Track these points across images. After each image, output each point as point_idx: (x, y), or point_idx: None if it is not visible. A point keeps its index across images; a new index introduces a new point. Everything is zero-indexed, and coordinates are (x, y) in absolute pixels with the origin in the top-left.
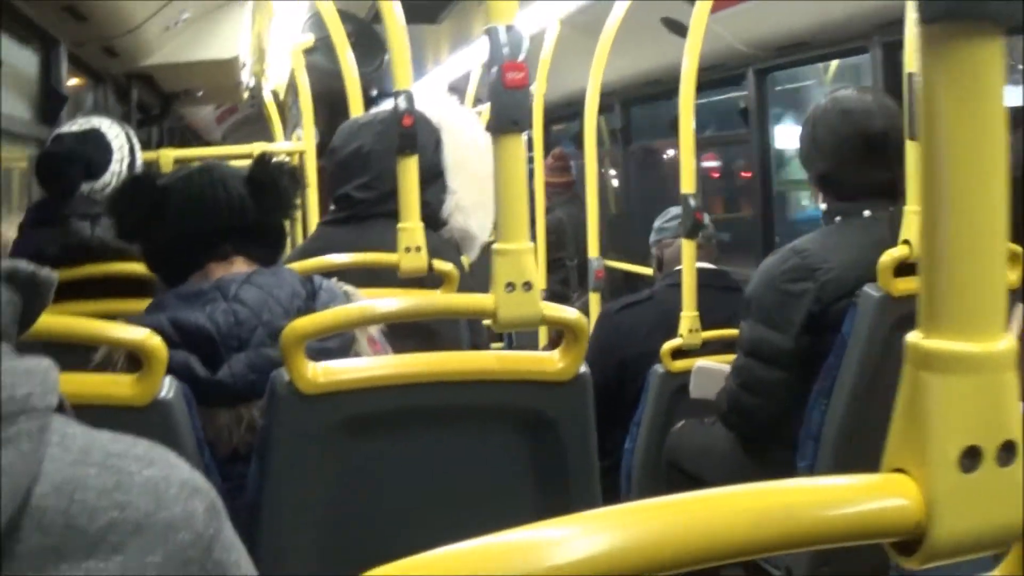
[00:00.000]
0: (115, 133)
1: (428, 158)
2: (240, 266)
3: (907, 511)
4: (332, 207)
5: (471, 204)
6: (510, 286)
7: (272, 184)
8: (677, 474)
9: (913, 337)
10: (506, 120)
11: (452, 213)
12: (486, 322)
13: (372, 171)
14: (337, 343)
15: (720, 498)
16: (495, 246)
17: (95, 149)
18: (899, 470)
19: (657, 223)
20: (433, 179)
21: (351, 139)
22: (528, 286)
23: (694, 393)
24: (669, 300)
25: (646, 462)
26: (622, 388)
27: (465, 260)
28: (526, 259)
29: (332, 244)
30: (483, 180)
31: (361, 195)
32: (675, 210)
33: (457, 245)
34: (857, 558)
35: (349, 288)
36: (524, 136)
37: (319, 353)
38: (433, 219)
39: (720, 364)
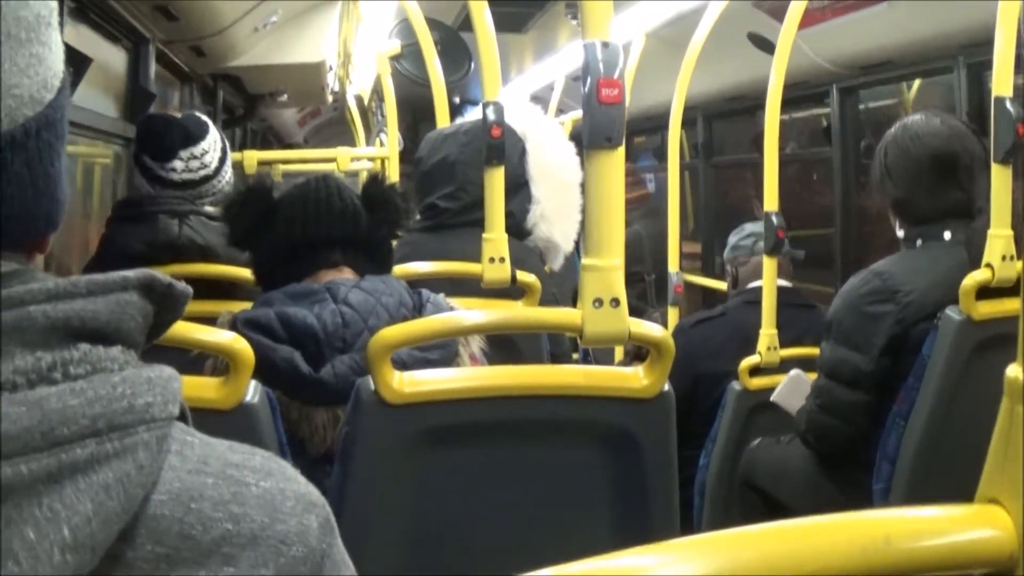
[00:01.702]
0: (208, 121)
1: (513, 168)
2: (348, 276)
3: (1001, 542)
4: (418, 216)
5: (555, 214)
6: (598, 302)
7: (385, 199)
8: (751, 492)
9: (1012, 371)
10: (600, 136)
11: (536, 223)
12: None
13: (457, 182)
14: (439, 354)
15: (816, 527)
16: (584, 262)
17: (193, 122)
18: (993, 501)
19: (732, 239)
20: (517, 189)
21: (436, 149)
22: (616, 303)
23: (775, 397)
24: (743, 317)
25: (720, 479)
26: (694, 404)
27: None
28: (615, 276)
29: (418, 251)
30: (567, 189)
31: (446, 204)
32: (751, 226)
33: (541, 253)
34: None
35: (454, 303)
36: (619, 151)
37: (419, 362)
38: (517, 229)
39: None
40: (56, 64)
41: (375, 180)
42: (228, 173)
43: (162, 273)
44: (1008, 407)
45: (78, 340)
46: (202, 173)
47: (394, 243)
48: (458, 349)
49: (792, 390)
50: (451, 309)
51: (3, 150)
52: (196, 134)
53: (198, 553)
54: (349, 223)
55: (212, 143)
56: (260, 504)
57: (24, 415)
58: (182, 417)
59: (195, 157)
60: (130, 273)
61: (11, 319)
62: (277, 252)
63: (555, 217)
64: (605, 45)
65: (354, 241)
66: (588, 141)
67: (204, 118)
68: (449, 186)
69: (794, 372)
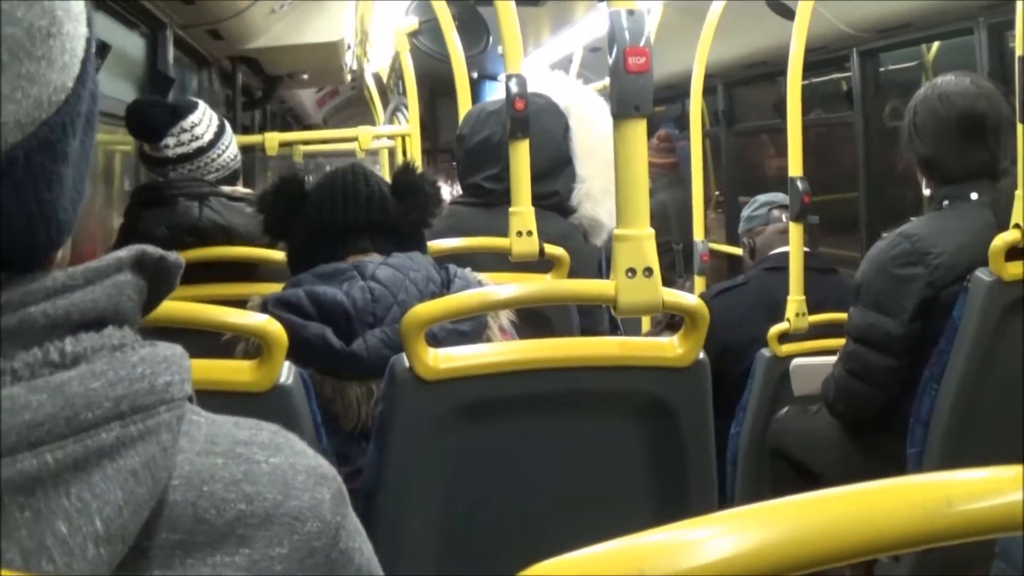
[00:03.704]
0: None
1: (557, 145)
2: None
3: None
4: (462, 192)
5: (600, 192)
6: (631, 272)
7: (414, 187)
8: (781, 461)
9: None
10: (628, 105)
11: (581, 201)
12: None
13: (503, 162)
14: (470, 326)
15: (875, 491)
16: (616, 232)
17: (181, 101)
18: None
19: (745, 212)
20: (562, 167)
21: (479, 127)
22: (649, 272)
23: (798, 392)
24: (765, 284)
25: (752, 447)
26: (723, 375)
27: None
28: (647, 245)
29: (463, 225)
30: (612, 167)
31: (490, 186)
32: (763, 198)
33: (585, 232)
34: (963, 546)
35: (483, 277)
36: (645, 121)
37: (452, 335)
38: (562, 207)
39: (815, 359)
40: (59, 76)
41: (405, 169)
42: (230, 148)
43: (152, 247)
44: None
45: (78, 331)
46: (195, 145)
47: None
48: (487, 321)
49: (804, 378)
50: (479, 283)
51: None
52: (183, 110)
53: (212, 537)
54: (376, 209)
55: (201, 116)
56: (272, 481)
57: (47, 402)
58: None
59: (185, 130)
60: (122, 252)
61: (13, 323)
62: (307, 239)
63: (601, 196)
64: (630, 13)
65: (382, 227)
66: (616, 110)
67: (194, 99)
68: (494, 167)
69: (792, 365)
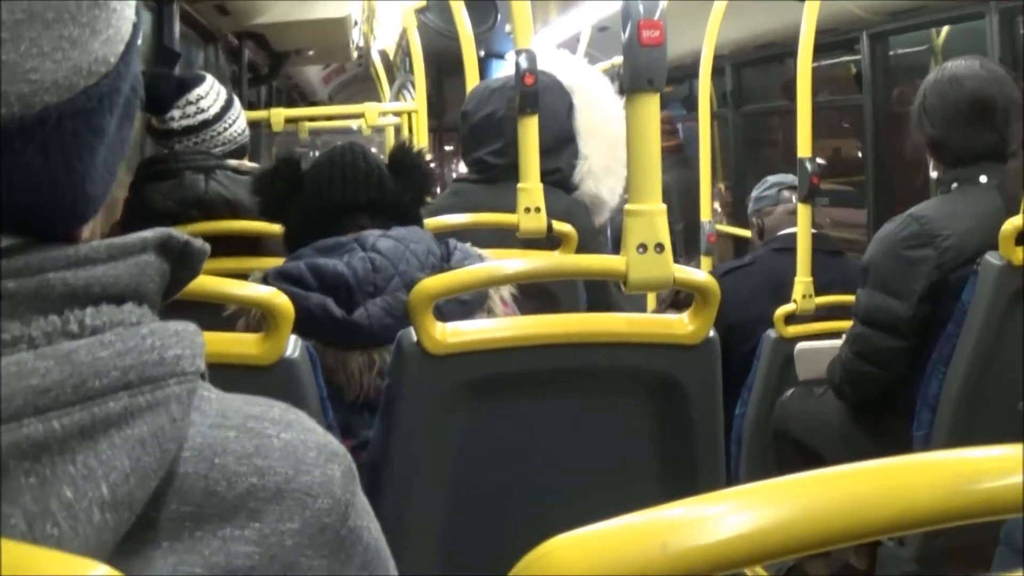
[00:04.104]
0: (210, 77)
1: (561, 123)
2: None
3: None
4: (467, 169)
5: (602, 169)
6: (642, 247)
7: (411, 165)
8: (785, 442)
9: None
10: (641, 79)
11: (583, 179)
12: None
13: (506, 137)
14: (471, 295)
15: (896, 468)
16: (627, 207)
17: (187, 74)
18: None
19: (755, 192)
20: (565, 144)
21: (483, 103)
22: (660, 248)
23: (802, 376)
24: (772, 265)
25: (758, 427)
26: (729, 354)
27: None
28: (659, 220)
29: (468, 201)
30: (614, 145)
31: (494, 161)
32: (773, 178)
33: (587, 207)
34: (968, 529)
35: (483, 252)
36: (658, 97)
37: (452, 303)
38: (565, 184)
39: (820, 343)
40: (102, 49)
41: (402, 147)
42: (237, 122)
43: (179, 231)
44: None
45: (97, 304)
46: (200, 118)
47: (431, 200)
48: (488, 291)
49: (808, 362)
50: (479, 257)
51: (11, 137)
52: (189, 82)
53: (223, 509)
54: (375, 187)
55: (208, 90)
56: (283, 456)
57: (54, 368)
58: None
59: (191, 103)
60: (148, 233)
61: (31, 286)
62: (306, 218)
63: (603, 173)
64: None
65: (380, 206)
66: (630, 84)
67: (202, 72)
68: (497, 142)
69: (797, 349)
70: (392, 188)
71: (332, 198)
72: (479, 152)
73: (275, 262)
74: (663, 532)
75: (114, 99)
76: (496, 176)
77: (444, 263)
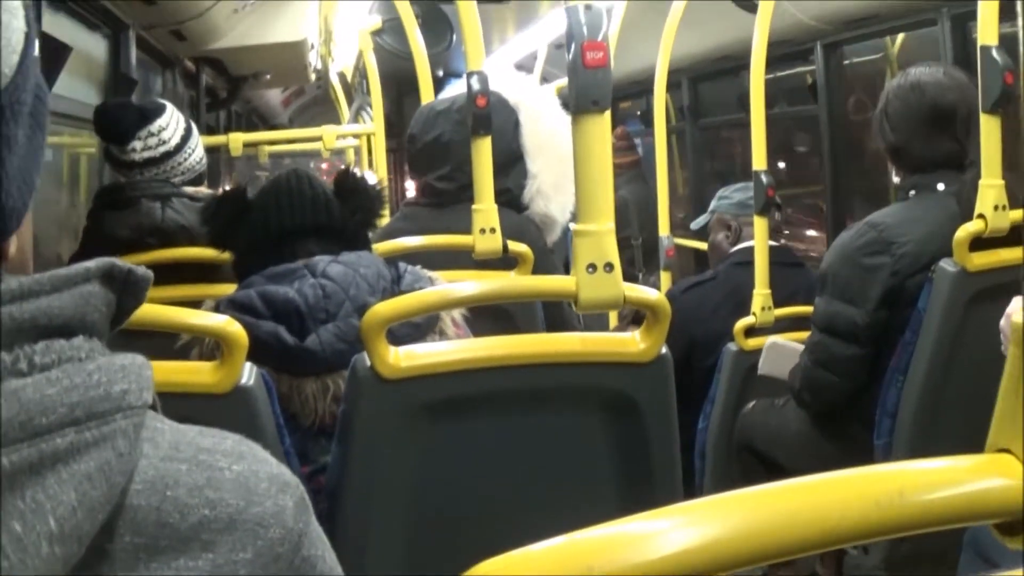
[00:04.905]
0: (168, 104)
1: (507, 142)
2: None
3: (1012, 491)
4: (415, 194)
5: (551, 188)
6: (591, 267)
7: (356, 188)
8: (749, 455)
9: (1018, 317)
10: (586, 100)
11: (533, 198)
12: None
13: (452, 161)
14: (423, 318)
15: (829, 482)
16: (575, 227)
17: (148, 103)
18: (1004, 450)
19: (736, 196)
20: (513, 163)
21: (429, 127)
22: (609, 267)
23: (763, 369)
24: (734, 279)
25: (720, 440)
26: (691, 369)
27: None
28: (607, 240)
29: (414, 226)
30: (563, 162)
31: (442, 186)
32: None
33: (538, 226)
34: (933, 535)
35: (433, 275)
36: (606, 116)
37: (405, 326)
38: (515, 204)
39: (794, 343)
40: None
41: (346, 172)
42: (196, 151)
43: (121, 260)
44: (1015, 354)
45: (44, 337)
46: (162, 150)
47: (383, 223)
48: (440, 314)
49: (775, 357)
50: (430, 279)
51: None
52: (151, 113)
53: (176, 540)
54: (322, 211)
55: (169, 120)
56: (235, 488)
57: (2, 407)
58: (151, 405)
59: (152, 135)
60: (91, 263)
61: None
62: (254, 246)
63: (552, 191)
64: (588, 8)
65: (328, 230)
66: (575, 106)
67: (162, 101)
68: (444, 167)
69: (770, 340)
70: (338, 212)
71: (280, 223)
72: (428, 176)
73: (230, 288)
74: (590, 554)
75: (16, 109)
76: (445, 200)
77: (395, 286)
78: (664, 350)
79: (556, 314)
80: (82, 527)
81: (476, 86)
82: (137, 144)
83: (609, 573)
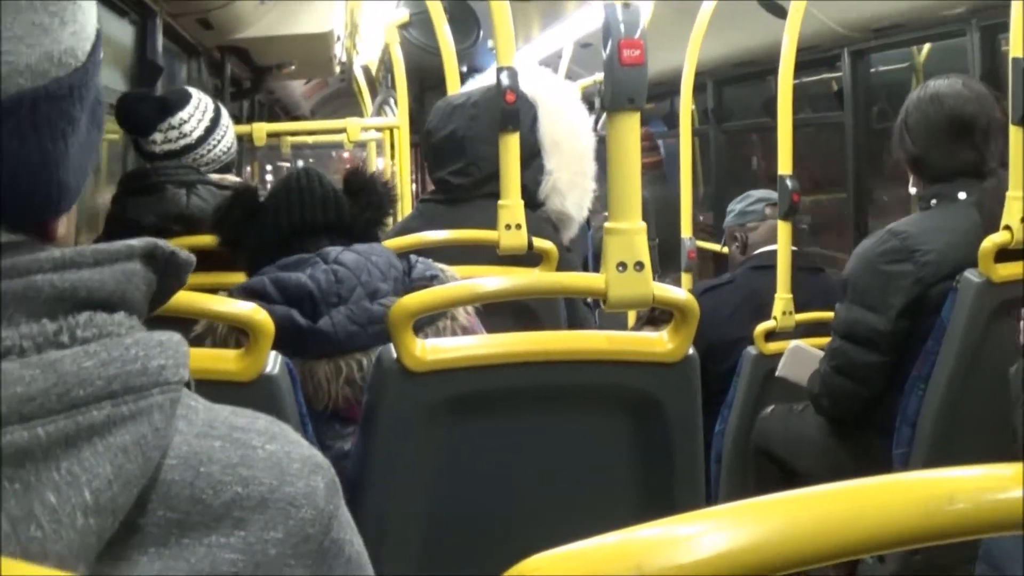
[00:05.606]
0: (198, 92)
1: (524, 137)
2: None
3: None
4: (432, 188)
5: (567, 185)
6: (621, 266)
7: (366, 186)
8: (766, 460)
9: None
10: (622, 98)
11: (549, 195)
12: None
13: (467, 157)
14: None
15: (874, 487)
16: (607, 225)
17: (172, 94)
18: None
19: (739, 206)
20: (530, 159)
21: (445, 122)
22: (640, 266)
23: (781, 372)
24: (752, 283)
25: (737, 445)
26: (708, 373)
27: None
28: (638, 239)
29: (432, 221)
30: (581, 159)
31: (458, 181)
32: (757, 193)
33: (554, 223)
34: (945, 548)
35: (444, 267)
36: (638, 115)
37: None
38: (530, 200)
39: (816, 349)
40: (70, 41)
41: (355, 170)
42: (223, 141)
43: (166, 242)
44: None
45: (84, 309)
46: (182, 143)
47: (391, 221)
48: None
49: (795, 361)
50: (441, 270)
51: None
52: (173, 105)
53: (209, 517)
54: (332, 209)
55: (193, 112)
56: (268, 467)
57: (39, 377)
58: (186, 383)
59: (173, 127)
60: (135, 242)
61: (18, 288)
62: (266, 245)
63: (568, 189)
64: (626, 5)
65: (339, 227)
66: (611, 103)
67: (189, 90)
68: (459, 161)
69: (793, 344)
70: (349, 210)
71: (290, 221)
72: (442, 172)
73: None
74: (638, 553)
75: (83, 94)
76: (460, 196)
77: (406, 276)
78: (691, 351)
79: (573, 313)
80: (117, 500)
81: (506, 82)
82: (158, 136)
83: (659, 572)
